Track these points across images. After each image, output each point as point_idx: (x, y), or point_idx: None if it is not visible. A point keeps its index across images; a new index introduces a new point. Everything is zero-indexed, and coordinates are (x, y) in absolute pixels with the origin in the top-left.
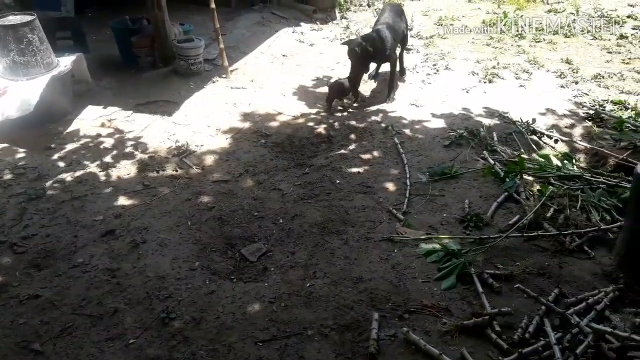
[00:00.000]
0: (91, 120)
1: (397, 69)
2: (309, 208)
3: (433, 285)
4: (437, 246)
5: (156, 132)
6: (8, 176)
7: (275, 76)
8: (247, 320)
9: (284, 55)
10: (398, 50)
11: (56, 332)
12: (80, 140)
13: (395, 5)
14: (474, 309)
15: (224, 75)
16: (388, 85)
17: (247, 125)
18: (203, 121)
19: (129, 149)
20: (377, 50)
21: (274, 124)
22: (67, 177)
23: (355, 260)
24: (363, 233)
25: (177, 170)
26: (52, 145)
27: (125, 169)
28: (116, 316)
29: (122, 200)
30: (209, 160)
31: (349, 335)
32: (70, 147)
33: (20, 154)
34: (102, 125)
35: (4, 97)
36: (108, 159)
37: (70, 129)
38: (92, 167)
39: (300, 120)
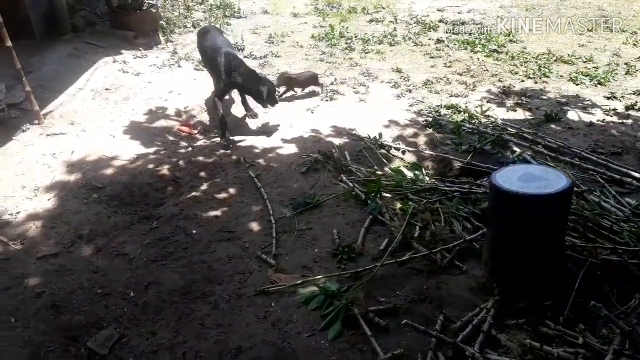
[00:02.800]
0: None
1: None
2: (164, 271)
3: (320, 337)
4: (316, 289)
5: None
6: None
7: (100, 115)
8: None
9: (107, 89)
10: None
11: None
12: None
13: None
14: (367, 357)
15: (36, 122)
16: None
17: (73, 178)
18: (16, 181)
19: None
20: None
21: (107, 171)
22: None
23: (229, 326)
24: (233, 289)
25: None
26: None
27: None
28: None
29: None
30: (31, 230)
31: None
32: None
33: None
34: None
35: None
36: None
37: None
38: None
39: (139, 163)
